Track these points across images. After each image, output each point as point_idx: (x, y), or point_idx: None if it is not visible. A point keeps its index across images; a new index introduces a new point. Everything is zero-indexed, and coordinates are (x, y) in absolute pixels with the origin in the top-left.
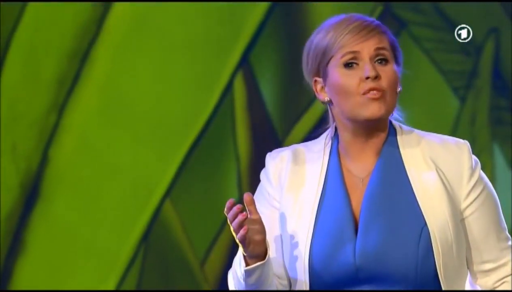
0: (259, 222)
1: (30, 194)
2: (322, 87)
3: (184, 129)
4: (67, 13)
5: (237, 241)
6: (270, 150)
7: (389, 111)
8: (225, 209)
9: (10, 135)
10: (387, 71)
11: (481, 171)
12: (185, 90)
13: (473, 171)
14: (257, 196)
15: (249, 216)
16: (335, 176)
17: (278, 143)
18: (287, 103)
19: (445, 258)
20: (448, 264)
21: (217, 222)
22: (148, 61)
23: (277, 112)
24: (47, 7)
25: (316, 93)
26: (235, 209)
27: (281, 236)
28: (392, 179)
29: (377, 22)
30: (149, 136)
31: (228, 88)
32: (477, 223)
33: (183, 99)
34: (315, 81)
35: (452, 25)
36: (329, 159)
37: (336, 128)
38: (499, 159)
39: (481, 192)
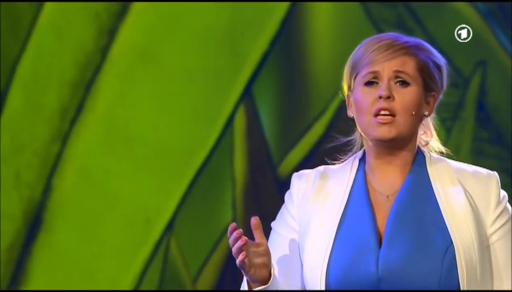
0: (263, 245)
1: (33, 223)
2: (352, 102)
3: (187, 160)
4: (71, 43)
5: (238, 265)
6: (265, 175)
7: (401, 133)
8: (228, 233)
9: (13, 164)
10: (404, 94)
11: (508, 204)
12: (189, 121)
13: (500, 199)
14: (278, 217)
15: (255, 239)
16: (360, 192)
17: (273, 169)
18: (285, 130)
19: (469, 279)
20: (472, 285)
21: (210, 241)
22: (152, 91)
23: (275, 139)
24: (51, 36)
25: (348, 107)
26: (235, 234)
27: (299, 257)
28: (419, 196)
29: (412, 42)
30: (152, 167)
31: (231, 120)
32: (500, 251)
33: (187, 130)
34: (348, 95)
35: (444, 57)
36: (355, 176)
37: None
38: None
39: (506, 222)
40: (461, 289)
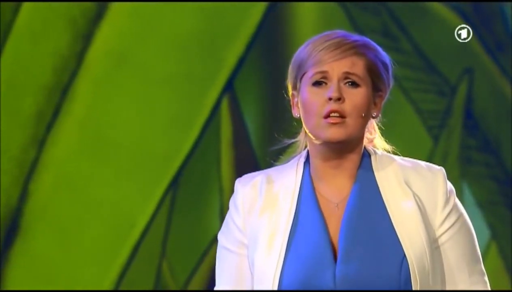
0: None
1: (10, 229)
2: (297, 102)
3: (165, 164)
4: (47, 47)
5: None
6: None
7: (351, 135)
8: None
9: None
10: (354, 95)
11: (457, 199)
12: (166, 125)
13: (447, 198)
14: (224, 228)
15: None
16: (309, 201)
17: None
18: (272, 138)
19: (422, 286)
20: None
21: (198, 252)
22: (129, 96)
23: (262, 147)
24: (27, 41)
25: (292, 107)
26: None
27: (250, 272)
28: (369, 205)
29: (361, 41)
30: (130, 171)
31: (208, 124)
32: (451, 252)
33: (164, 134)
34: (293, 95)
35: (430, 66)
36: (301, 183)
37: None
38: (468, 198)
39: (456, 221)
40: None
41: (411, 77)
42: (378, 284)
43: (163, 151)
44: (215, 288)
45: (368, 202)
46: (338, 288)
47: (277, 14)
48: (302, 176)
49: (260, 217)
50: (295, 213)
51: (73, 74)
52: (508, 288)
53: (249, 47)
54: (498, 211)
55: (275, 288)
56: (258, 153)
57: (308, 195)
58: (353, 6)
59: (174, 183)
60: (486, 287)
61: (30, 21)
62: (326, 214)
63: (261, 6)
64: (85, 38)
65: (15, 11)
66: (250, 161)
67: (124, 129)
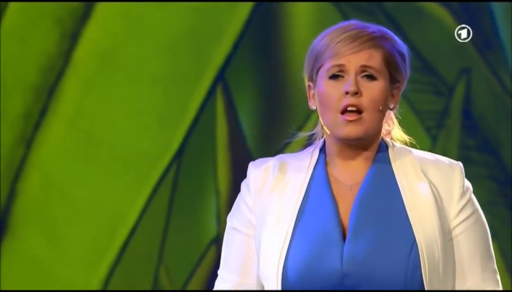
0: None
1: None
2: (314, 94)
3: (153, 163)
4: (34, 46)
5: None
6: None
7: (368, 131)
8: None
9: None
10: (372, 88)
11: (473, 196)
12: (154, 124)
13: (464, 191)
14: (234, 209)
15: None
16: (321, 182)
17: None
18: (268, 140)
19: (431, 275)
20: (434, 280)
21: (195, 255)
22: (117, 95)
23: (258, 147)
24: (14, 41)
25: (308, 99)
26: None
27: (257, 254)
28: (383, 189)
29: (378, 33)
30: (118, 170)
31: (196, 122)
32: (463, 246)
33: (152, 133)
34: (309, 86)
35: (427, 66)
36: (314, 167)
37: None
38: None
39: (471, 215)
40: (425, 285)
41: (408, 77)
42: (386, 266)
43: (151, 150)
44: (219, 271)
45: (382, 186)
46: (345, 268)
47: (273, 13)
48: (317, 160)
49: (270, 195)
50: (305, 193)
51: (61, 74)
52: (508, 288)
53: (238, 46)
54: (498, 211)
55: (281, 265)
56: (254, 154)
57: (320, 176)
58: (348, 6)
59: (161, 182)
60: (498, 285)
61: (17, 20)
62: (338, 196)
63: (251, 5)
64: (72, 37)
65: (2, 11)
66: (246, 162)
67: (112, 129)
